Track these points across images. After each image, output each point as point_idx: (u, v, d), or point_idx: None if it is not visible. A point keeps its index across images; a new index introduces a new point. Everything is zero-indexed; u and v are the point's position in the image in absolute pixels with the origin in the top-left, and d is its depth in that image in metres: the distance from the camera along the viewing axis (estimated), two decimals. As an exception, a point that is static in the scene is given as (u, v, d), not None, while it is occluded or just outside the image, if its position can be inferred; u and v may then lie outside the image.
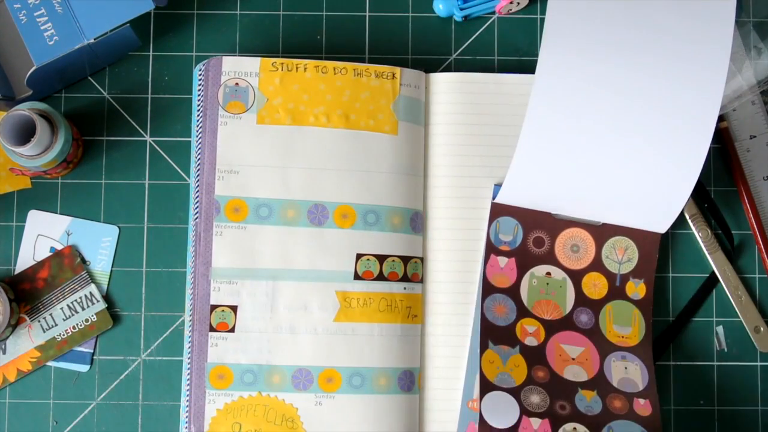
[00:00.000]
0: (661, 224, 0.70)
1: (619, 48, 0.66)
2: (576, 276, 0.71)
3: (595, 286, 0.71)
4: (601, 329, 0.71)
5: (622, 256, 0.71)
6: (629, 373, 0.70)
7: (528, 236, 0.71)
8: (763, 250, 0.73)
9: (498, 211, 0.71)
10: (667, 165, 0.67)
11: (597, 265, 0.71)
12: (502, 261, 0.71)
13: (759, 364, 0.73)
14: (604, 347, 0.70)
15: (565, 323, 0.70)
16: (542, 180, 0.68)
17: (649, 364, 0.70)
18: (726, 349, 0.73)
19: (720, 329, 0.74)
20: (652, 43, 0.66)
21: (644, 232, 0.71)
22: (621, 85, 0.66)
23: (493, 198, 0.71)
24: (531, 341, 0.70)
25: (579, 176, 0.68)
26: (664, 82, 0.65)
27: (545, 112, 0.66)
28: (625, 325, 0.71)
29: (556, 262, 0.71)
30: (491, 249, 0.71)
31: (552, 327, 0.70)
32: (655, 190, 0.68)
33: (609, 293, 0.71)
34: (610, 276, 0.71)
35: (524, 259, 0.71)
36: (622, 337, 0.71)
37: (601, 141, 0.67)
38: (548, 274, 0.71)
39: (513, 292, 0.70)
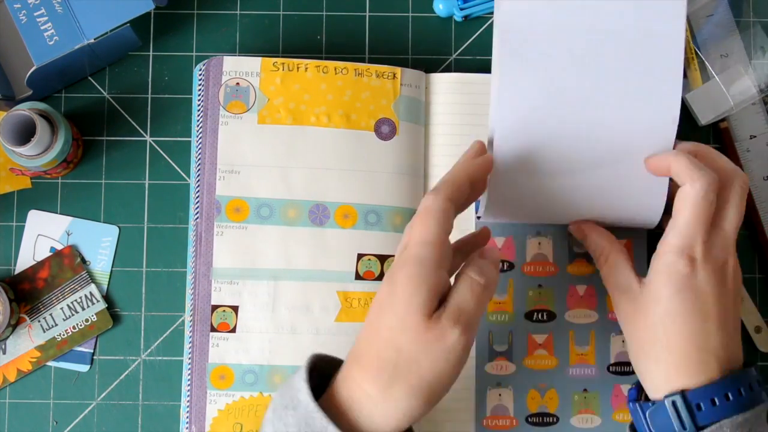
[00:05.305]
0: (650, 218, 0.67)
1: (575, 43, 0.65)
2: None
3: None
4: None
5: None
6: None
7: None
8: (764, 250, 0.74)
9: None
10: (639, 153, 0.65)
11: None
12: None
13: (759, 364, 0.73)
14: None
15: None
16: (522, 189, 0.66)
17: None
18: (726, 349, 0.73)
19: (720, 329, 0.74)
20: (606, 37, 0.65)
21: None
22: (582, 80, 0.64)
23: (476, 212, 0.70)
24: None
25: (556, 180, 0.66)
26: (623, 69, 0.64)
27: (511, 124, 0.65)
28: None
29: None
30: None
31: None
32: (635, 182, 0.66)
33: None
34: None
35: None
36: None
37: (572, 139, 0.65)
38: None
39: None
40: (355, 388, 0.56)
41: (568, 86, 0.64)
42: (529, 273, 0.71)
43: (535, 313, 0.70)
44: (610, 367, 0.70)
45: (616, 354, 0.70)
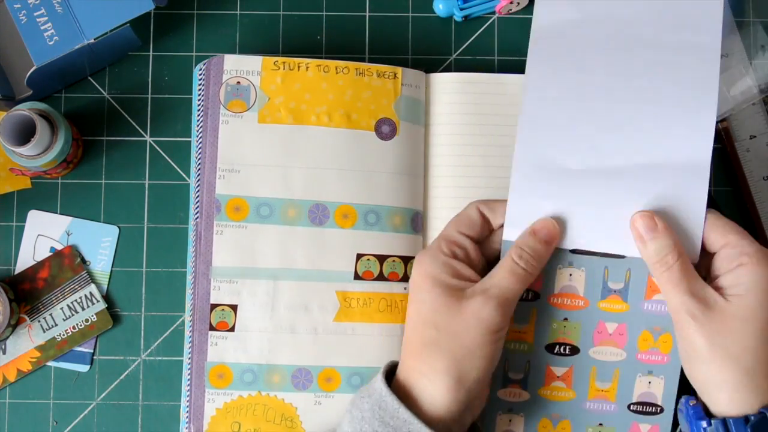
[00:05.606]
0: (689, 251, 0.63)
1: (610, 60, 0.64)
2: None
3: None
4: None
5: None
6: None
7: None
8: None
9: None
10: (672, 183, 0.63)
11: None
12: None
13: None
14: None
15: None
16: (548, 207, 0.63)
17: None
18: (726, 349, 0.73)
19: (720, 329, 0.73)
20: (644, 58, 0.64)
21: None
22: (620, 88, 0.63)
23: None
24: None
25: (591, 198, 0.63)
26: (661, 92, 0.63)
27: (538, 126, 0.63)
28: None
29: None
30: None
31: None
32: (668, 212, 0.62)
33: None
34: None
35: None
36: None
37: (609, 157, 0.63)
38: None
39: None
40: (409, 370, 0.61)
41: (598, 100, 0.63)
42: (556, 305, 0.65)
43: (557, 346, 0.66)
44: (631, 406, 0.66)
45: (640, 394, 0.66)
